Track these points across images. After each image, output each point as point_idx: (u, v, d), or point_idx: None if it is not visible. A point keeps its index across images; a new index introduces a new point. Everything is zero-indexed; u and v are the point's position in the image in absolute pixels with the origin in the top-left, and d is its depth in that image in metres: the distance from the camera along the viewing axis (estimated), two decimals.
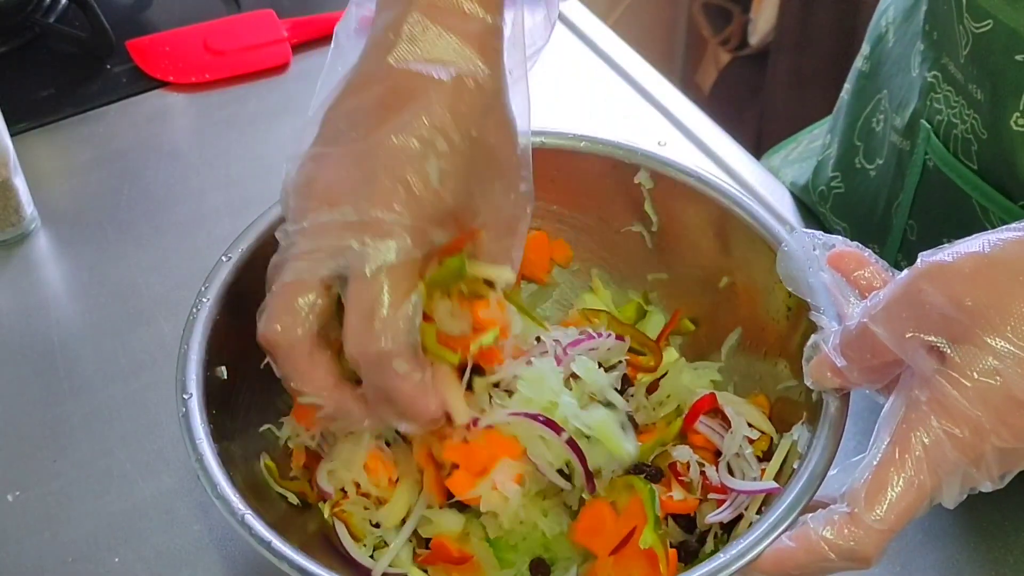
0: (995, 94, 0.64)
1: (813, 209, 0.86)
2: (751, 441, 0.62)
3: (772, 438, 0.62)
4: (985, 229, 0.67)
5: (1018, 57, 0.61)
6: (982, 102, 0.65)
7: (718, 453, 0.63)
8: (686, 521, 0.62)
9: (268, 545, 0.51)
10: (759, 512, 0.58)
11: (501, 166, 0.56)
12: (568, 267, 0.73)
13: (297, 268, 0.52)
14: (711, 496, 0.61)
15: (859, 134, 0.81)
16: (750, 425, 0.63)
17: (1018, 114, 0.63)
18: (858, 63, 0.81)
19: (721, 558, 0.50)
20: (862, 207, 0.81)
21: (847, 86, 0.83)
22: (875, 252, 0.79)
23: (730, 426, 0.63)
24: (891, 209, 0.77)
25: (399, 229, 0.51)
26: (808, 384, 0.56)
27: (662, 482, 0.61)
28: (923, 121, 0.71)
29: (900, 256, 0.77)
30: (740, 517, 0.59)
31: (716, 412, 0.64)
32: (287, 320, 0.52)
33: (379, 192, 0.51)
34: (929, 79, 0.70)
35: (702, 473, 0.62)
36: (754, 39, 1.85)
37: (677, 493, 0.61)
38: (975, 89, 0.65)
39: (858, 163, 0.81)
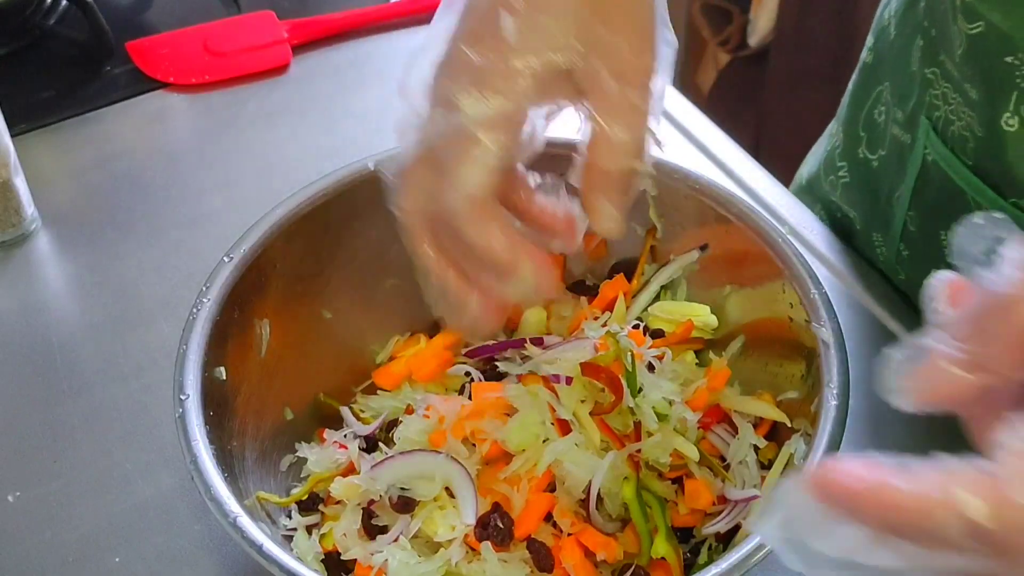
0: (988, 93, 0.64)
1: (824, 200, 0.87)
2: (756, 449, 0.62)
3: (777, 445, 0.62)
4: None
5: (1008, 59, 0.62)
6: (977, 100, 0.65)
7: (722, 459, 0.63)
8: (680, 532, 0.62)
9: (259, 548, 0.52)
10: None
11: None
12: (600, 261, 0.73)
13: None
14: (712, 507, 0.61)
15: (863, 125, 0.81)
16: (755, 428, 0.63)
17: (1008, 114, 0.63)
18: (863, 54, 0.82)
19: (712, 571, 0.50)
20: (867, 196, 0.81)
21: (854, 76, 0.84)
22: (879, 241, 0.79)
23: (736, 431, 0.63)
24: (892, 199, 0.77)
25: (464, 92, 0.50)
26: (905, 407, 0.40)
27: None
28: (923, 116, 0.71)
29: (903, 246, 0.77)
30: (738, 528, 0.59)
31: (723, 418, 0.64)
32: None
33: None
34: (928, 75, 0.70)
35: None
36: (753, 40, 1.85)
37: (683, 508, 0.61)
38: (970, 88, 0.65)
39: (861, 153, 0.81)
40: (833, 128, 0.87)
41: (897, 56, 0.76)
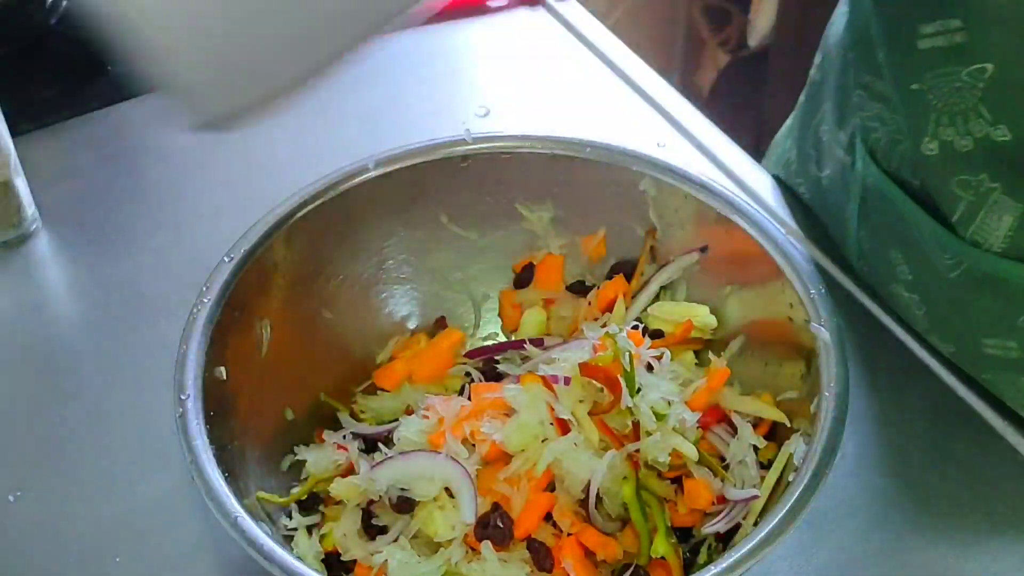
0: (909, 117, 0.63)
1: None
2: (756, 449, 0.62)
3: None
4: (922, 245, 0.66)
5: (913, 86, 0.61)
6: (904, 124, 0.65)
7: (722, 459, 0.63)
8: (680, 532, 0.62)
9: (260, 548, 0.52)
10: (755, 524, 0.58)
11: None
12: (600, 262, 0.73)
13: None
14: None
15: (811, 143, 0.80)
16: (755, 428, 0.63)
17: (927, 138, 0.62)
18: (812, 71, 0.81)
19: (712, 570, 0.50)
20: (824, 212, 0.81)
21: (803, 93, 0.83)
22: (847, 253, 0.78)
23: (735, 431, 0.63)
24: (844, 218, 0.76)
25: None
26: None
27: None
28: (859, 139, 0.70)
29: (861, 263, 0.76)
30: (738, 528, 0.59)
31: (722, 418, 0.64)
32: None
33: None
34: (860, 95, 0.69)
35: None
36: (753, 40, 1.85)
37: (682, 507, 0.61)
38: (896, 112, 0.65)
39: (813, 171, 0.80)
40: (787, 144, 0.86)
41: (838, 76, 0.74)
